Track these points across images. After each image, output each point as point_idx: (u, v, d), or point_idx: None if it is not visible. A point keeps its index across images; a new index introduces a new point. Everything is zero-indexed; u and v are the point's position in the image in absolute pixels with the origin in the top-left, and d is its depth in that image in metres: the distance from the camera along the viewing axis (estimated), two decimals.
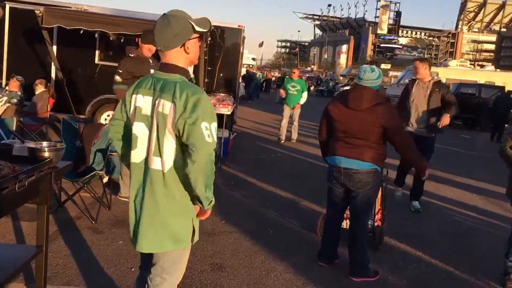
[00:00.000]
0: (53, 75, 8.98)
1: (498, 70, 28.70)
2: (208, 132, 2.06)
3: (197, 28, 2.20)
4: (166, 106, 2.12)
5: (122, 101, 2.36)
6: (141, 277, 2.45)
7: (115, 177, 5.48)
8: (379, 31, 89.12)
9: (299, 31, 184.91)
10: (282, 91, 11.15)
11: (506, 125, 13.33)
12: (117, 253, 3.92)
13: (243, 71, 23.42)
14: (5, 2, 8.63)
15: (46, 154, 2.74)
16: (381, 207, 4.64)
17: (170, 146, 2.15)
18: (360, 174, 3.73)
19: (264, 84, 34.25)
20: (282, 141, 10.83)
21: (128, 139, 2.37)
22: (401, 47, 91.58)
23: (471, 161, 10.98)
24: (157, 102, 2.16)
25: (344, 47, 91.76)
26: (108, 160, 4.98)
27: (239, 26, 10.07)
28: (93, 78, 9.04)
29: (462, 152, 11.96)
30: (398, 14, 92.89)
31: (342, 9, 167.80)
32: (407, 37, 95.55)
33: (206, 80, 9.13)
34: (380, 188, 4.34)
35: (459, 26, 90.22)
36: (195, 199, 2.16)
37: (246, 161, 8.40)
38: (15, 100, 7.58)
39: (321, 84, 38.05)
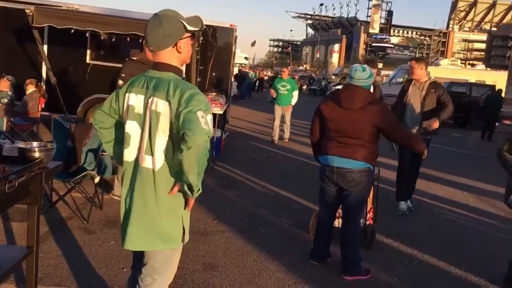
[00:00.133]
0: (44, 74, 8.91)
1: (488, 69, 28.86)
2: (204, 120, 2.02)
3: (189, 27, 2.19)
4: (159, 104, 2.12)
5: (113, 96, 2.35)
6: (133, 277, 2.45)
7: (107, 177, 5.45)
8: (371, 30, 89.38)
9: (291, 30, 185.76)
10: (272, 91, 11.17)
11: (496, 124, 13.41)
12: (109, 254, 3.90)
13: (236, 70, 23.41)
14: None
15: (36, 155, 2.72)
16: (373, 205, 4.67)
17: (162, 144, 2.14)
18: (353, 173, 3.74)
19: (256, 84, 34.27)
20: (276, 141, 10.84)
21: (119, 138, 2.37)
22: (393, 46, 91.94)
23: (462, 160, 11.05)
24: (150, 100, 2.15)
25: (336, 46, 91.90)
26: (100, 160, 4.96)
27: (231, 25, 10.06)
28: (85, 77, 8.99)
29: (453, 151, 12.04)
30: (389, 13, 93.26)
31: (334, 8, 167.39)
32: (398, 36, 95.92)
33: (198, 79, 9.10)
34: (372, 187, 4.36)
35: (450, 25, 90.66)
36: (183, 186, 2.07)
37: (239, 161, 8.40)
38: (5, 100, 7.51)
39: (314, 83, 38.13)
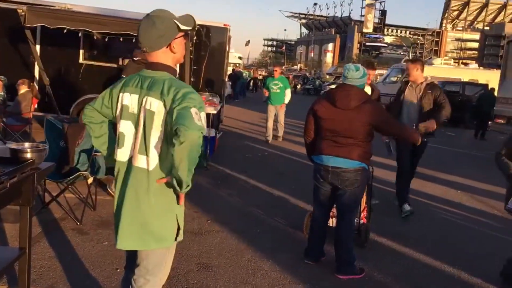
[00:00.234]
0: (36, 74, 8.86)
1: (481, 68, 29.03)
2: (198, 117, 2.01)
3: (182, 27, 2.19)
4: (153, 104, 2.12)
5: (105, 94, 2.34)
6: (126, 278, 2.44)
7: (100, 177, 5.43)
8: (364, 30, 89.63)
9: (285, 30, 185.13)
10: (265, 91, 11.18)
11: (489, 122, 13.50)
12: (102, 254, 3.89)
13: (230, 70, 23.38)
14: None
15: (28, 155, 2.70)
16: (367, 204, 4.68)
17: (156, 144, 2.14)
18: (348, 172, 3.76)
19: (251, 83, 34.24)
20: (270, 142, 10.83)
21: (110, 137, 2.37)
22: (386, 45, 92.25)
23: (455, 158, 11.10)
24: (144, 100, 2.15)
25: (330, 46, 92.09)
26: (93, 160, 4.93)
27: (225, 25, 10.04)
28: (78, 77, 8.94)
29: (447, 149, 12.08)
30: (383, 13, 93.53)
31: (328, 8, 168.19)
32: (392, 35, 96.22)
33: (192, 79, 9.08)
34: (366, 186, 4.37)
35: (443, 25, 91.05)
36: (173, 181, 2.05)
37: (233, 160, 8.39)
38: None
39: (308, 83, 38.13)
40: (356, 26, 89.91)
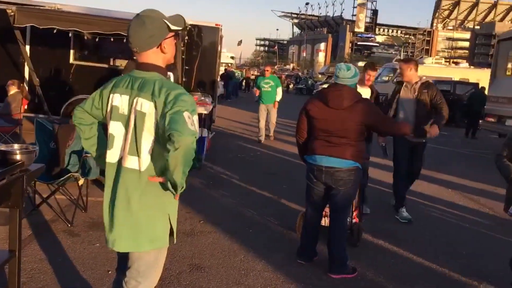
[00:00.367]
0: (26, 75, 8.79)
1: (472, 67, 29.23)
2: (191, 121, 2.00)
3: (172, 27, 2.18)
4: (144, 105, 2.10)
5: (95, 95, 2.32)
6: (118, 280, 2.42)
7: (91, 179, 5.39)
8: (356, 29, 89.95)
9: (277, 29, 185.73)
10: (256, 90, 11.17)
11: (480, 121, 13.57)
12: (94, 256, 3.86)
13: (222, 70, 23.35)
14: None
15: (18, 157, 2.67)
16: (359, 205, 4.68)
17: (147, 145, 2.12)
18: (342, 172, 3.76)
19: (243, 83, 34.22)
20: (262, 142, 10.82)
21: (100, 139, 2.35)
22: (378, 45, 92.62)
23: (447, 157, 11.15)
24: (134, 101, 2.13)
25: (322, 45, 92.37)
26: (84, 161, 4.90)
27: (216, 24, 10.03)
28: (68, 78, 8.89)
29: (438, 148, 12.14)
30: (374, 12, 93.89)
31: (320, 8, 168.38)
32: (384, 35, 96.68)
33: (184, 79, 9.06)
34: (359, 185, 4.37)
35: (434, 24, 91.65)
36: (168, 184, 2.06)
37: (225, 160, 8.38)
38: None
39: (300, 82, 38.17)
40: (348, 26, 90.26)
